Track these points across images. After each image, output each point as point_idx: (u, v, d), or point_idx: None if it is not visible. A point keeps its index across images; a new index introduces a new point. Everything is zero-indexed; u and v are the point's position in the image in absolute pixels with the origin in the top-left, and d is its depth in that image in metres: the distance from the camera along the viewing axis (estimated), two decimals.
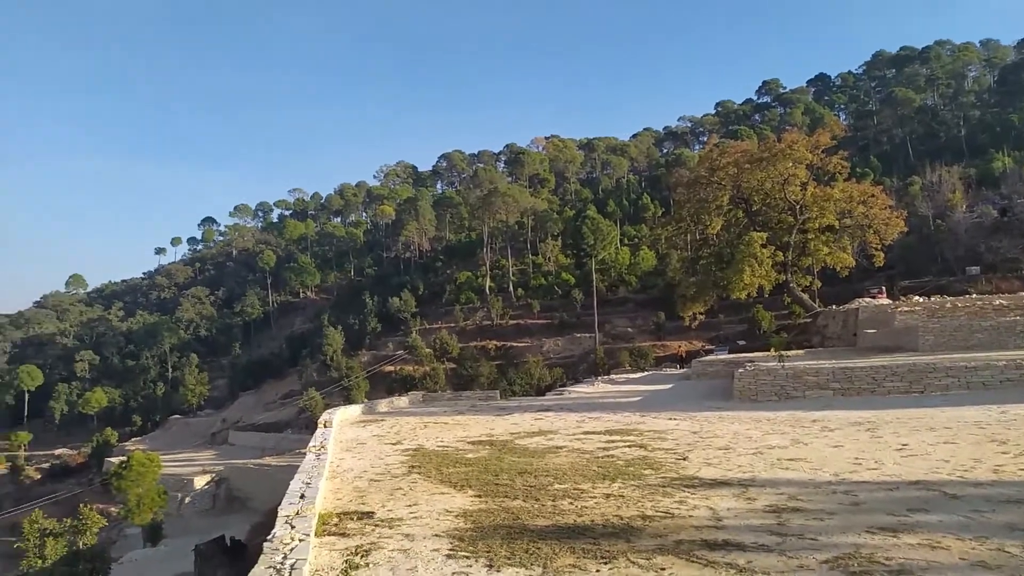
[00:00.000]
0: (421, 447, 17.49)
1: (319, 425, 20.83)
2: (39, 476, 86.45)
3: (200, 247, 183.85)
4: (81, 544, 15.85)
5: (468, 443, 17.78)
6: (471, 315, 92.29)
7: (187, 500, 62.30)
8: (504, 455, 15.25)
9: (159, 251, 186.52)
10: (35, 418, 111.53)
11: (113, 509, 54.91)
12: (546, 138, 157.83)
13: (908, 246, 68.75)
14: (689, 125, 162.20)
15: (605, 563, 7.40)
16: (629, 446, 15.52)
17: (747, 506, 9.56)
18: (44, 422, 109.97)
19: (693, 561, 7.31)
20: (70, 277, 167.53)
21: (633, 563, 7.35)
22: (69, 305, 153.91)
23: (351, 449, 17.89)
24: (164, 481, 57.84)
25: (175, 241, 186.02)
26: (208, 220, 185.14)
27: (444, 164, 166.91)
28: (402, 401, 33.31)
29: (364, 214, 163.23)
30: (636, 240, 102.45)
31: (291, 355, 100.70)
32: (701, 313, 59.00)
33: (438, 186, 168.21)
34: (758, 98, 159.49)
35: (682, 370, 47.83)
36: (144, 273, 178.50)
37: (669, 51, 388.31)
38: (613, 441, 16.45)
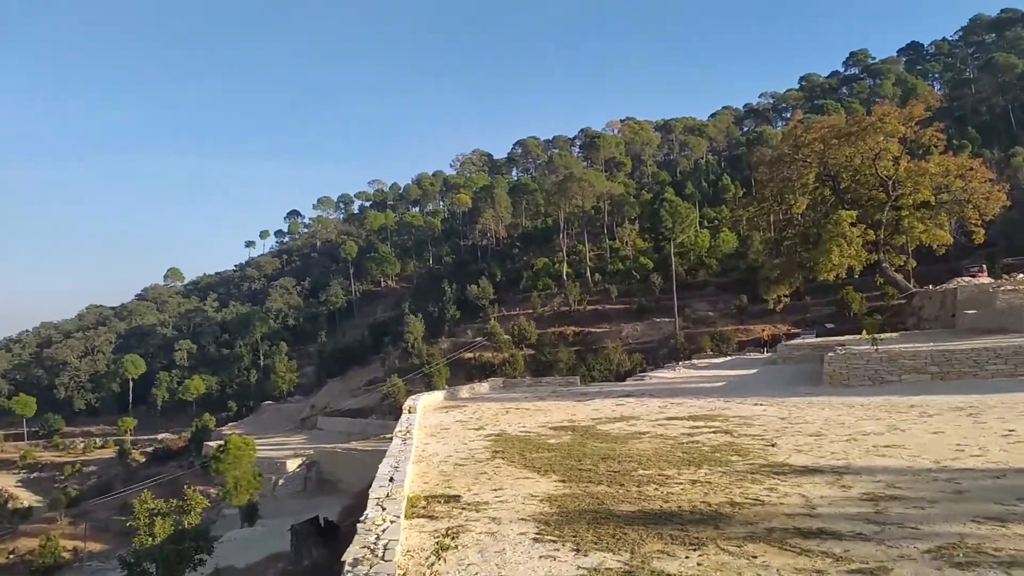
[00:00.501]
0: (503, 432, 17.66)
1: (404, 411, 21.33)
2: (144, 459, 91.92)
3: (287, 239, 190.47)
4: (186, 523, 16.84)
5: (550, 429, 17.84)
6: (548, 301, 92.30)
7: (280, 482, 65.04)
8: (586, 441, 15.23)
9: (249, 244, 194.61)
10: (139, 404, 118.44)
11: (212, 490, 57.84)
12: (621, 121, 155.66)
13: (1010, 221, 64.50)
14: (771, 101, 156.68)
15: (694, 549, 7.31)
16: (714, 432, 15.24)
17: (842, 494, 9.26)
18: (147, 408, 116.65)
19: (786, 549, 7.14)
20: (168, 270, 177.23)
21: (723, 550, 7.23)
22: (168, 297, 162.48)
23: (435, 434, 18.24)
24: (259, 464, 60.56)
25: (263, 234, 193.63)
26: (293, 213, 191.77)
27: (519, 151, 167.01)
28: (483, 387, 33.68)
29: (441, 203, 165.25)
30: (716, 222, 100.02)
31: (374, 343, 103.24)
32: (786, 295, 57.22)
33: (513, 173, 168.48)
34: (845, 70, 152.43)
35: (767, 354, 46.54)
36: (236, 265, 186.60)
37: (749, 25, 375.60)
38: (697, 427, 16.19)
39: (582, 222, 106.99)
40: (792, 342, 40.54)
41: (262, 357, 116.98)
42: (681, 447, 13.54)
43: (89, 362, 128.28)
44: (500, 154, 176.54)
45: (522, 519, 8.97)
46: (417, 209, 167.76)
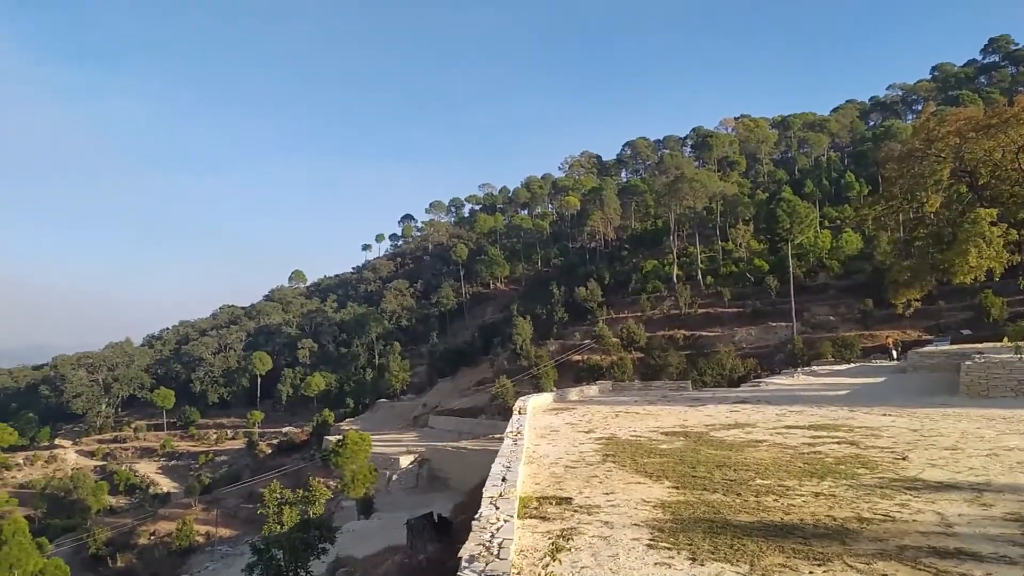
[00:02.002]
0: (614, 436, 17.54)
1: (514, 412, 21.56)
2: (270, 451, 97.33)
3: (400, 242, 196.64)
4: (311, 513, 17.71)
5: (661, 433, 17.56)
6: (658, 304, 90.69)
7: (394, 478, 67.18)
8: (700, 447, 14.90)
9: (365, 247, 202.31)
10: (266, 399, 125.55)
11: (331, 483, 60.47)
12: (735, 119, 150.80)
13: None
14: (900, 94, 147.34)
15: (818, 565, 7.02)
16: (838, 443, 14.53)
17: (982, 513, 8.63)
18: (273, 403, 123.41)
19: (920, 569, 6.74)
20: (292, 273, 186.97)
21: (850, 567, 6.91)
22: (292, 298, 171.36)
23: (545, 436, 18.34)
24: (374, 459, 62.84)
25: (379, 238, 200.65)
26: (407, 217, 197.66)
27: (628, 152, 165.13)
28: (592, 390, 33.54)
29: (550, 205, 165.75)
30: (838, 222, 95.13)
31: (483, 344, 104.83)
32: (916, 300, 53.54)
33: (623, 174, 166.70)
34: (983, 58, 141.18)
35: (895, 362, 43.84)
36: (353, 268, 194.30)
37: (876, 15, 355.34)
38: (819, 436, 15.48)
39: (693, 223, 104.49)
40: (924, 349, 37.96)
41: (377, 356, 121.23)
42: (802, 457, 13.00)
43: (222, 358, 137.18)
44: (609, 156, 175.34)
45: (635, 524, 8.89)
46: (526, 212, 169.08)
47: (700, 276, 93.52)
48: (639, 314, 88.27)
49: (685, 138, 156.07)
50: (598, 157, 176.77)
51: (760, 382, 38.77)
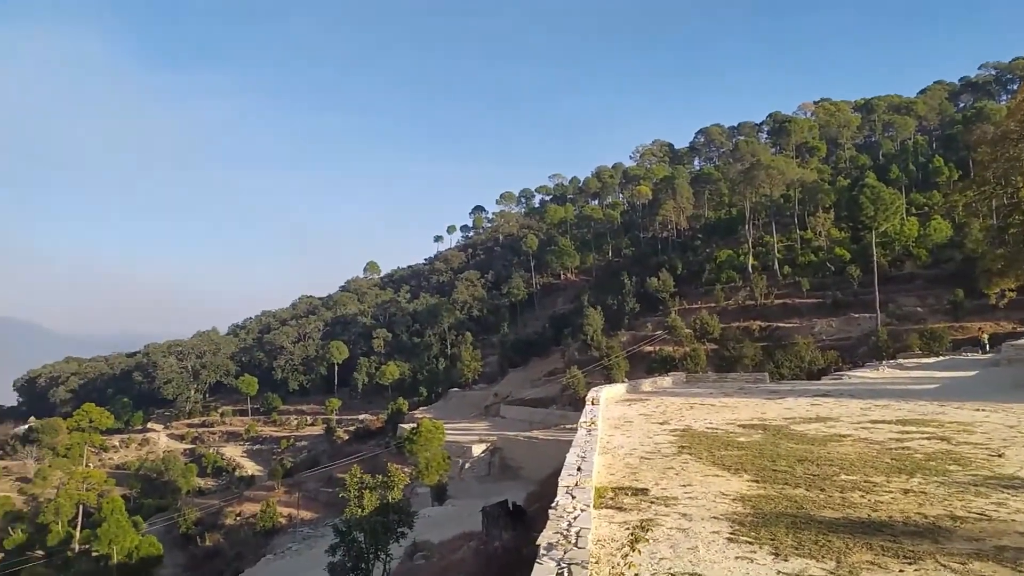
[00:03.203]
0: (689, 428, 17.34)
1: (587, 402, 21.55)
2: (347, 437, 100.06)
3: (471, 233, 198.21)
4: (390, 498, 18.21)
5: (738, 426, 17.25)
6: (733, 294, 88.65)
7: (467, 466, 68.02)
8: (780, 440, 14.57)
9: (437, 239, 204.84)
10: (343, 387, 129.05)
11: (406, 469, 61.78)
12: (815, 103, 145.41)
13: None
14: (994, 73, 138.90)
15: (909, 563, 6.80)
16: (927, 438, 13.97)
17: None
18: (350, 391, 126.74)
19: (1022, 571, 6.43)
20: (367, 264, 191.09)
21: (944, 566, 6.67)
22: (367, 289, 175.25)
23: (619, 427, 18.28)
24: (447, 447, 63.82)
25: (450, 229, 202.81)
26: (478, 208, 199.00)
27: (702, 140, 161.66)
28: (665, 381, 33.16)
29: (620, 195, 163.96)
30: (926, 208, 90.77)
31: (554, 334, 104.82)
32: (1011, 290, 50.83)
33: (695, 163, 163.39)
34: None
35: (987, 355, 41.65)
36: (425, 259, 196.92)
37: None
38: (907, 432, 14.91)
39: (770, 212, 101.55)
40: (1019, 342, 35.93)
41: (449, 346, 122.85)
42: (889, 452, 12.56)
43: (301, 347, 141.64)
44: (682, 144, 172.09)
45: (714, 517, 8.80)
46: (596, 202, 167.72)
47: (777, 266, 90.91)
48: (713, 305, 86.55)
49: (761, 124, 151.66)
50: (670, 145, 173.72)
51: (842, 375, 37.55)
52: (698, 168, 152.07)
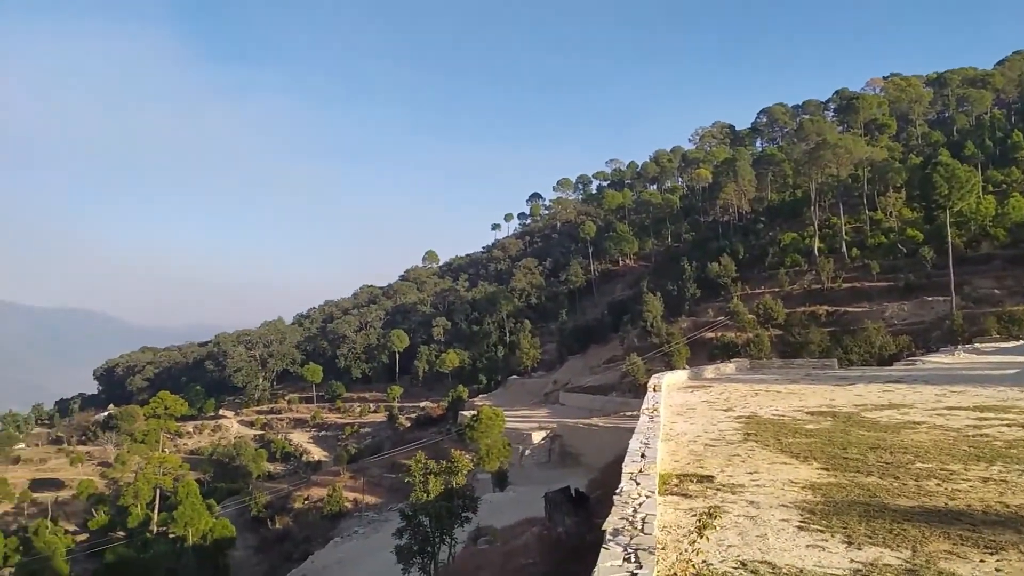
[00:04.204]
0: (754, 415, 17.03)
1: (649, 389, 21.40)
2: (409, 424, 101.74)
3: (528, 221, 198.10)
4: (454, 483, 18.51)
5: (806, 413, 16.86)
6: (798, 279, 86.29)
7: (526, 452, 68.46)
8: (850, 428, 14.19)
9: (495, 227, 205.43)
10: (404, 374, 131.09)
11: (467, 456, 62.49)
12: (884, 78, 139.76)
13: None
14: None
15: (991, 553, 6.56)
16: (1008, 425, 13.39)
17: None
18: (411, 378, 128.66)
19: None
20: (425, 253, 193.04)
21: None
22: (426, 278, 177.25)
23: (682, 413, 18.09)
24: (507, 434, 64.26)
25: (507, 217, 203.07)
26: (535, 196, 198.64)
27: (764, 120, 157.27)
28: (729, 368, 32.60)
29: (680, 179, 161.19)
30: (1004, 186, 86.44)
31: (613, 321, 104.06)
32: None
33: (757, 144, 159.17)
34: None
35: None
36: (483, 247, 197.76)
37: None
38: (986, 418, 14.31)
39: (837, 193, 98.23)
40: None
41: (508, 334, 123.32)
42: (967, 440, 12.09)
43: (363, 336, 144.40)
44: (743, 125, 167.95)
45: (783, 505, 8.65)
46: (655, 187, 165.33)
47: (844, 248, 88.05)
48: (777, 289, 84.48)
49: (827, 102, 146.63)
50: (731, 127, 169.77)
51: (915, 360, 36.26)
52: (760, 149, 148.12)
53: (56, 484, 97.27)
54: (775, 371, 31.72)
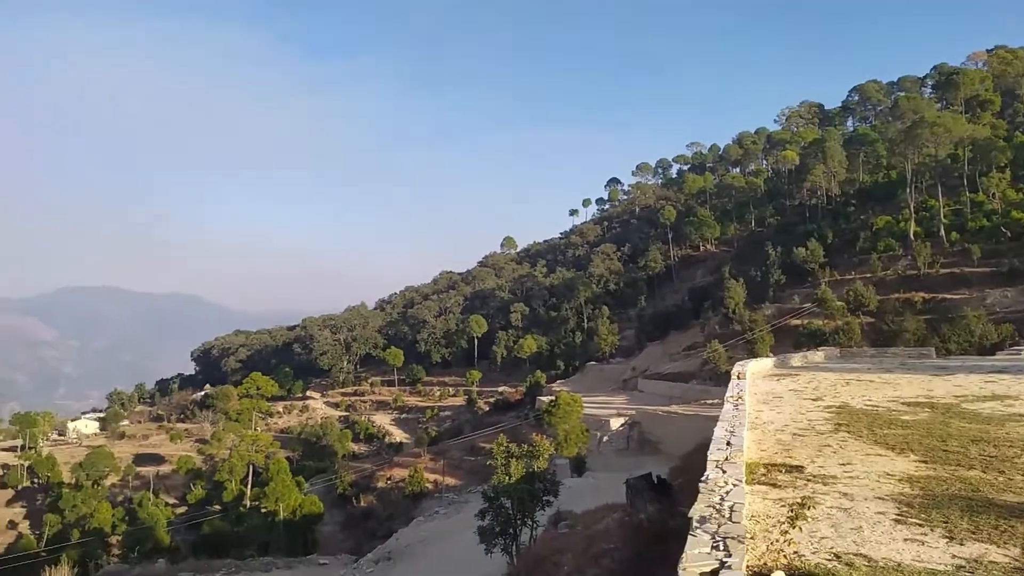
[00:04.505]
0: (846, 405, 16.48)
1: (732, 376, 20.96)
2: (487, 408, 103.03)
3: (607, 206, 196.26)
4: (535, 467, 18.71)
5: (902, 404, 16.20)
6: (891, 264, 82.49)
7: (604, 439, 68.30)
8: (950, 420, 13.56)
9: (572, 212, 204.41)
10: (483, 359, 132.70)
11: (545, 441, 62.83)
12: (988, 51, 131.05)
13: None
14: None
15: None
16: None
17: None
18: (489, 363, 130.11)
19: None
20: (504, 239, 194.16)
21: None
22: (504, 264, 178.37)
23: (768, 402, 17.68)
24: (585, 420, 64.27)
25: (585, 202, 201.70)
26: (613, 181, 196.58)
27: (855, 98, 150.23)
28: (817, 356, 31.57)
29: (764, 162, 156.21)
30: None
31: (693, 308, 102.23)
32: None
33: (848, 123, 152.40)
34: None
35: None
36: (561, 233, 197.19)
37: None
38: None
39: (935, 173, 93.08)
40: None
41: (586, 320, 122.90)
42: None
43: (442, 321, 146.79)
44: (833, 104, 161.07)
45: (879, 498, 8.38)
46: (738, 170, 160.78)
47: (943, 232, 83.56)
48: (868, 275, 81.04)
49: (924, 78, 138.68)
50: (820, 106, 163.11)
51: (1020, 350, 34.20)
52: (851, 129, 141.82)
53: (157, 459, 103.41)
54: (867, 360, 30.49)
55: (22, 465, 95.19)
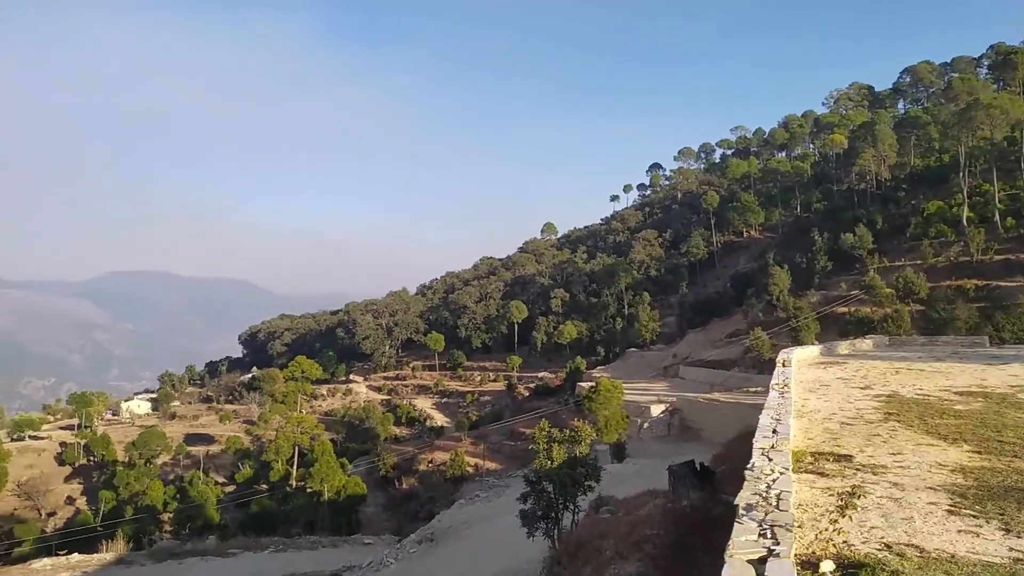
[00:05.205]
0: (895, 393, 16.17)
1: (777, 364, 20.71)
2: (527, 393, 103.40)
3: (648, 192, 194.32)
4: (577, 452, 18.82)
5: (954, 393, 15.83)
6: (943, 250, 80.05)
7: (645, 425, 68.06)
8: (1005, 410, 13.23)
9: (613, 198, 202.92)
10: (522, 345, 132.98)
11: (586, 426, 62.85)
12: None
13: None
14: None
15: None
16: None
17: None
18: (529, 349, 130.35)
19: None
20: (544, 225, 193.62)
21: None
22: (544, 250, 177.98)
23: (814, 390, 17.44)
24: (625, 407, 64.05)
25: (626, 188, 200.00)
26: (655, 166, 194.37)
27: (907, 80, 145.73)
28: (865, 344, 30.96)
29: (811, 145, 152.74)
30: None
31: (736, 294, 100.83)
32: None
33: (899, 106, 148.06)
34: None
35: None
36: (602, 219, 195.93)
37: None
38: None
39: (990, 157, 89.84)
40: None
41: (626, 306, 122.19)
42: None
43: (483, 306, 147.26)
44: (883, 86, 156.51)
45: (930, 488, 8.25)
46: (783, 154, 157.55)
47: (998, 217, 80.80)
48: (919, 262, 78.86)
49: (980, 58, 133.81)
50: (869, 88, 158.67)
51: None
52: (903, 111, 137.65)
53: (207, 439, 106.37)
54: (918, 348, 29.78)
55: (79, 443, 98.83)
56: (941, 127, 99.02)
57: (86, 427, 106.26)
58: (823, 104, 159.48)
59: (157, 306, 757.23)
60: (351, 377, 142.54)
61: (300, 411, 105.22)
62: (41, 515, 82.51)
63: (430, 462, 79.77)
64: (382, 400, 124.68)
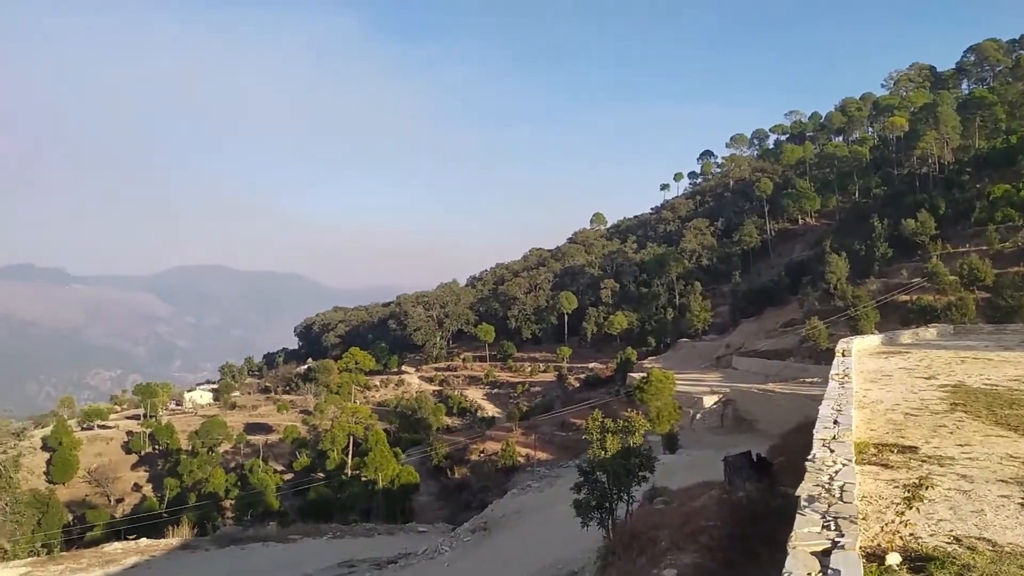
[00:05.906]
0: (962, 384, 15.68)
1: (837, 354, 20.27)
2: (577, 384, 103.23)
3: (699, 180, 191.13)
4: (631, 443, 18.77)
5: None
6: (1010, 235, 76.94)
7: (698, 416, 67.35)
8: None
9: (663, 187, 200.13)
10: (572, 336, 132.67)
11: (640, 417, 62.44)
12: None
13: None
14: None
15: None
16: None
17: None
18: (579, 339, 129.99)
19: None
20: (593, 215, 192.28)
21: None
22: (593, 240, 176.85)
23: (876, 380, 17.04)
24: (677, 397, 63.48)
25: (677, 177, 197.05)
26: (706, 154, 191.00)
27: (972, 59, 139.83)
28: (929, 332, 30.02)
29: (870, 129, 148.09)
30: None
31: (791, 283, 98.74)
32: None
33: (963, 86, 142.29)
34: None
35: None
36: (651, 208, 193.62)
37: None
38: None
39: None
40: None
41: (677, 296, 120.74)
42: None
43: (532, 297, 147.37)
44: (946, 66, 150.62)
45: (1001, 481, 8.01)
46: (840, 138, 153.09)
47: None
48: (984, 248, 76.02)
49: None
50: (931, 68, 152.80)
51: None
52: (967, 92, 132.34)
53: (266, 428, 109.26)
54: (984, 337, 28.73)
55: (144, 432, 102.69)
56: (1008, 107, 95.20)
57: (151, 417, 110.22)
58: (882, 86, 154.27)
59: (215, 299, 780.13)
60: (403, 368, 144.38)
61: (354, 401, 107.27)
62: (110, 501, 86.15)
63: (481, 452, 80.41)
64: (434, 391, 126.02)
